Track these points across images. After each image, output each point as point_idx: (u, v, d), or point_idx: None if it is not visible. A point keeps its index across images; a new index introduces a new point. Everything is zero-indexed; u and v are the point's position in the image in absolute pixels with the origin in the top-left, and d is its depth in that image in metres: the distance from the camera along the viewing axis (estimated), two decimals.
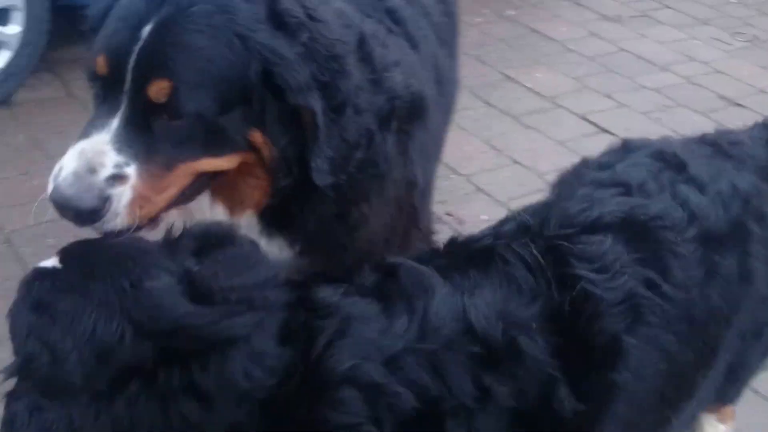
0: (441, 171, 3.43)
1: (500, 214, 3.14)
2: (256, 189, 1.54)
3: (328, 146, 1.46)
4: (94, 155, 1.35)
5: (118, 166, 1.36)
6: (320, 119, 1.42)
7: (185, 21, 1.35)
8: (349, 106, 1.50)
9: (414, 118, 1.78)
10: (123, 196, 1.37)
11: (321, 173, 1.46)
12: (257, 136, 1.45)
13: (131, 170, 1.36)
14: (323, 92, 1.44)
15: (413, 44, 1.85)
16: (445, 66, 2.10)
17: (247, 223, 1.62)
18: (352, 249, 1.73)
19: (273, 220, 1.62)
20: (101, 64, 1.37)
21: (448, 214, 3.24)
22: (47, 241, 2.81)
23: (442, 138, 2.23)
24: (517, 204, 3.25)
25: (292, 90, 1.39)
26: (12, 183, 3.20)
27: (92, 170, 1.35)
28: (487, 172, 3.53)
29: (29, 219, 2.53)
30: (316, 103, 1.41)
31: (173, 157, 1.39)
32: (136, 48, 1.33)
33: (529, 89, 4.20)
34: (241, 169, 1.51)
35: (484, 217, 3.25)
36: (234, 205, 1.59)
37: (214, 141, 1.42)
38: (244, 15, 1.38)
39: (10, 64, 3.60)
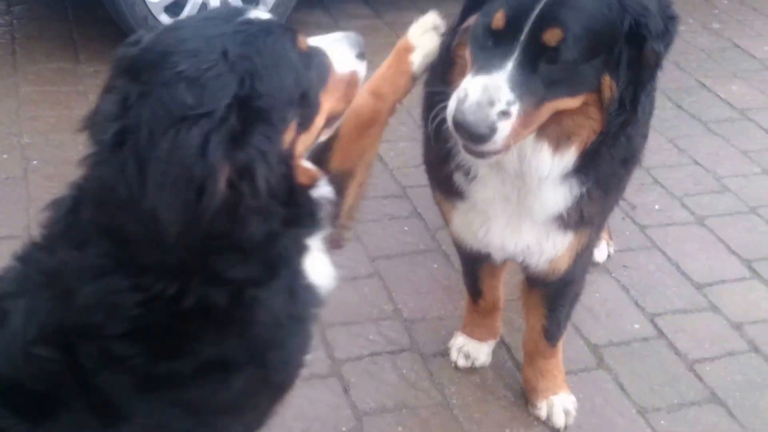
0: None
1: (672, 206, 3.50)
2: (585, 127, 1.78)
3: (653, 85, 1.81)
4: (494, 91, 1.65)
5: (508, 103, 1.64)
6: (662, 61, 1.74)
7: None
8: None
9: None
10: (504, 130, 1.66)
11: (643, 105, 1.78)
12: (606, 80, 1.72)
13: (515, 109, 1.65)
14: (663, 40, 1.73)
15: None
16: None
17: (567, 161, 1.82)
18: (619, 192, 2.10)
19: (586, 159, 1.84)
20: (500, 18, 1.70)
21: (622, 199, 3.57)
22: None
23: None
24: (691, 200, 3.58)
25: (653, 37, 1.68)
26: None
27: (491, 103, 1.64)
28: (667, 167, 3.80)
29: None
30: (663, 49, 1.72)
31: (543, 98, 1.69)
32: (538, 5, 1.67)
33: (722, 99, 4.40)
34: (579, 109, 1.75)
35: (656, 206, 3.56)
36: (560, 141, 1.80)
37: (576, 83, 1.71)
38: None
39: None
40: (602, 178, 1.96)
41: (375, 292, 2.97)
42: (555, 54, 1.67)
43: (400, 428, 2.49)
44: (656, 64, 1.74)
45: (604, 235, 3.21)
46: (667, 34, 1.73)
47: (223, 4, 4.19)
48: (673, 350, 2.84)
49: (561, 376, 2.58)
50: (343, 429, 2.47)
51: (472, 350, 2.68)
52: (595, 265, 3.15)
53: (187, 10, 4.11)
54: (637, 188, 3.65)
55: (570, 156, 1.83)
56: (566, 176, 1.89)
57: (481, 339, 2.69)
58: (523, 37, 1.66)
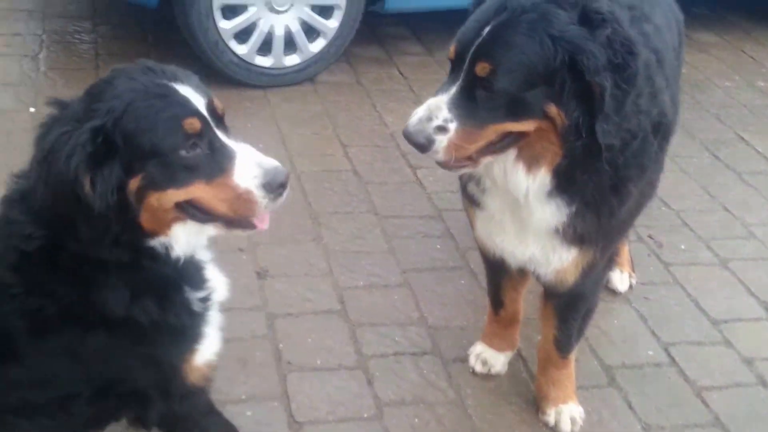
0: (654, 202, 4.03)
1: (698, 247, 3.70)
2: (549, 151, 2.01)
3: (612, 115, 1.95)
4: (434, 109, 2.00)
5: (445, 120, 1.96)
6: (608, 92, 1.92)
7: (513, 24, 1.96)
8: (633, 90, 1.98)
9: (667, 137, 2.34)
10: (441, 142, 1.98)
11: (605, 133, 1.96)
12: (553, 109, 1.94)
13: (452, 126, 1.96)
14: (614, 73, 1.91)
15: (667, 83, 2.39)
16: (677, 106, 2.59)
17: (541, 180, 2.08)
18: (615, 220, 2.25)
19: (560, 180, 2.07)
20: (452, 51, 2.03)
21: (650, 237, 3.78)
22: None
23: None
24: (716, 244, 3.77)
25: (588, 71, 1.88)
26: (306, 138, 4.23)
27: (429, 119, 1.97)
28: (697, 212, 3.99)
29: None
30: (607, 81, 1.92)
31: (485, 120, 1.96)
32: (477, 41, 1.97)
33: (759, 153, 4.57)
34: (538, 134, 1.99)
35: (682, 246, 3.76)
36: (531, 162, 2.06)
37: (517, 110, 1.95)
38: (558, 20, 1.95)
39: (323, 51, 4.67)
40: (590, 201, 2.17)
41: (403, 300, 3.23)
42: (489, 84, 1.95)
43: (416, 420, 2.72)
44: (602, 96, 1.92)
45: (627, 267, 3.43)
46: (623, 69, 1.93)
47: (286, 36, 4.57)
48: (683, 377, 3.02)
49: (571, 387, 2.78)
50: (365, 415, 2.71)
51: (489, 358, 2.90)
52: (617, 294, 3.38)
53: (254, 38, 4.50)
54: (666, 228, 3.86)
55: (542, 176, 2.08)
56: (550, 195, 2.13)
57: (499, 349, 2.91)
58: (465, 67, 1.97)
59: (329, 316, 3.10)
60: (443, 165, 2.09)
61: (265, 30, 4.51)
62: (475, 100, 1.97)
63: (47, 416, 1.99)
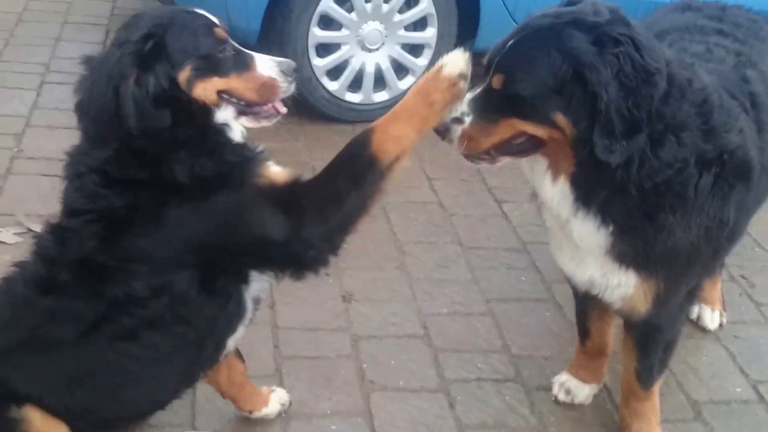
0: (747, 242, 4.00)
1: None
2: (565, 160, 2.17)
3: (615, 131, 2.04)
4: (457, 104, 2.20)
5: (462, 114, 2.19)
6: (605, 105, 2.03)
7: (528, 40, 2.16)
8: (659, 119, 2.09)
9: (740, 176, 2.32)
10: (455, 131, 2.21)
11: (603, 148, 2.07)
12: (560, 118, 2.09)
13: (467, 119, 2.19)
14: (624, 91, 2.03)
15: (760, 127, 2.44)
16: None
17: (561, 190, 2.21)
18: (661, 246, 2.27)
19: (579, 191, 2.19)
20: (485, 59, 2.25)
21: (742, 277, 3.75)
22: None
23: (757, 205, 2.67)
24: None
25: (590, 83, 2.02)
26: None
27: (449, 113, 2.19)
28: None
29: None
30: (608, 94, 2.03)
31: (497, 116, 2.18)
32: (499, 54, 2.19)
33: None
34: (553, 144, 2.16)
35: None
36: (553, 171, 2.22)
37: (527, 113, 2.14)
38: (570, 38, 2.09)
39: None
40: (625, 224, 2.24)
41: (487, 328, 3.30)
42: (504, 90, 2.14)
43: None
44: (602, 109, 2.03)
45: (718, 306, 3.42)
46: (635, 92, 2.04)
47: (376, 73, 4.77)
48: None
49: (655, 420, 2.78)
50: None
51: (573, 387, 2.93)
52: (707, 331, 3.37)
53: (346, 75, 4.72)
54: (759, 269, 3.84)
55: (561, 185, 2.22)
56: (578, 209, 2.23)
57: (584, 380, 2.93)
58: (489, 76, 2.20)
59: (412, 341, 3.20)
60: (465, 156, 2.29)
61: (357, 67, 4.73)
62: (491, 101, 2.19)
63: (161, 333, 2.16)
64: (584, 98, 2.07)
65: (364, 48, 4.71)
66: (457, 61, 2.13)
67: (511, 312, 3.40)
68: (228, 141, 2.16)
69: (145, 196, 2.07)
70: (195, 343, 2.23)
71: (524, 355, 3.18)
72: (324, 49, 4.64)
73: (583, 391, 2.92)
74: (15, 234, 3.55)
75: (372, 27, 4.67)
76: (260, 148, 2.23)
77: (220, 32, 2.16)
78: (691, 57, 2.51)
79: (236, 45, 2.21)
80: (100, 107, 2.01)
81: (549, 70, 2.08)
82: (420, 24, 4.78)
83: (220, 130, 2.15)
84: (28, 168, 4.08)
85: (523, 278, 3.61)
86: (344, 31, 4.64)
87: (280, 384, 2.89)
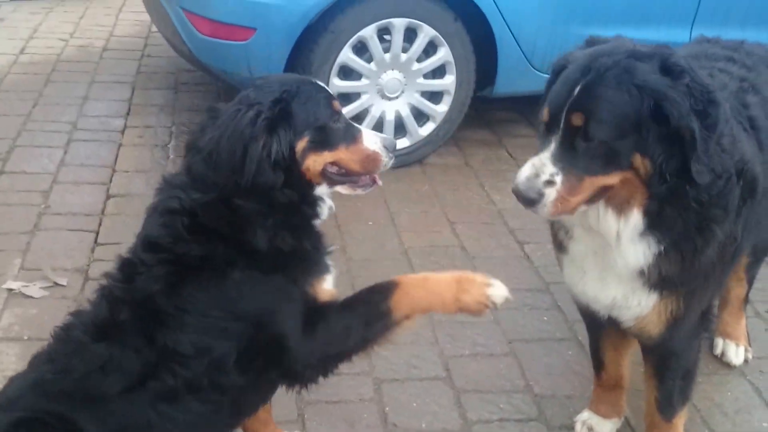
0: None
1: None
2: (635, 197, 2.21)
3: (705, 155, 2.13)
4: (540, 166, 2.18)
5: (552, 174, 2.16)
6: (698, 134, 2.11)
7: (601, 80, 2.17)
8: (718, 131, 2.17)
9: (748, 192, 2.42)
10: (550, 195, 2.17)
11: (701, 173, 2.14)
12: (638, 159, 2.14)
13: (558, 179, 2.16)
14: (699, 117, 2.10)
15: (760, 146, 2.55)
16: None
17: (634, 221, 2.25)
18: (698, 263, 2.36)
19: (651, 220, 2.25)
20: (545, 113, 2.27)
21: (767, 312, 3.82)
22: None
23: (757, 225, 2.71)
24: None
25: (674, 117, 2.08)
26: (414, 216, 4.52)
27: (537, 175, 2.17)
28: None
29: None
30: (694, 124, 2.11)
31: (583, 173, 2.17)
32: (570, 100, 2.20)
33: None
34: (623, 183, 2.19)
35: None
36: (620, 207, 2.25)
37: (610, 160, 2.14)
38: (642, 71, 2.16)
39: (432, 135, 5.01)
40: (676, 240, 2.30)
41: (509, 368, 3.37)
42: (585, 133, 2.15)
43: None
44: (693, 137, 2.10)
45: (743, 341, 3.46)
46: (705, 115, 2.13)
47: (396, 120, 4.93)
48: None
49: None
50: None
51: (595, 424, 2.99)
52: (731, 367, 3.41)
53: (366, 122, 4.88)
54: None
55: (634, 217, 2.25)
56: (642, 235, 2.28)
57: (605, 416, 3.00)
58: (561, 123, 2.19)
59: (434, 383, 3.28)
60: (545, 216, 2.29)
61: (377, 115, 4.90)
62: (575, 150, 2.18)
63: (198, 399, 2.24)
64: (662, 132, 2.13)
65: (384, 96, 4.88)
66: (503, 292, 2.31)
67: (534, 352, 3.48)
68: (313, 225, 2.36)
69: (221, 250, 2.22)
70: (229, 410, 2.35)
71: (547, 394, 3.25)
72: (344, 98, 4.80)
73: (606, 427, 2.98)
74: (41, 288, 3.71)
75: (391, 76, 4.85)
76: (332, 248, 2.44)
77: (336, 105, 2.39)
78: None
79: (346, 118, 2.44)
80: (226, 160, 2.19)
81: (630, 106, 2.13)
82: (439, 71, 4.95)
83: (315, 203, 2.36)
84: (55, 223, 4.27)
85: (546, 318, 3.69)
86: (364, 81, 4.82)
87: (303, 430, 2.98)
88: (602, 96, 2.15)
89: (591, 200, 2.25)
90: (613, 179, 2.20)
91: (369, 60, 4.77)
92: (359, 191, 2.48)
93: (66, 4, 8.25)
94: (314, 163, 2.30)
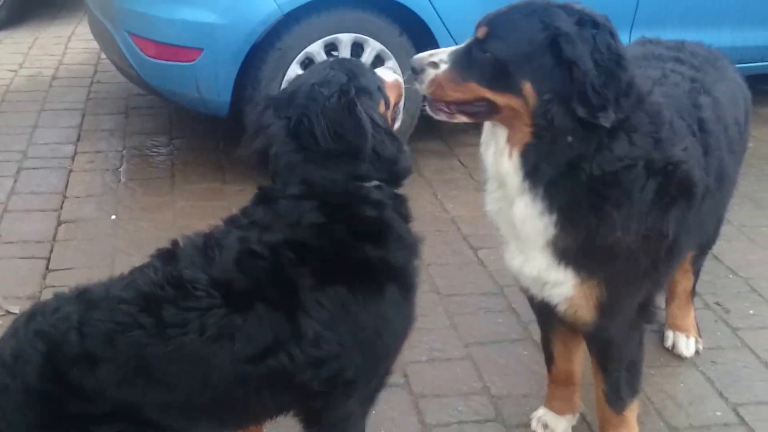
0: (721, 271, 4.14)
1: (767, 312, 3.75)
2: (521, 130, 2.27)
3: (586, 100, 2.15)
4: (440, 53, 2.38)
5: (440, 60, 2.35)
6: (583, 76, 2.14)
7: (518, 9, 2.31)
8: (619, 109, 2.19)
9: (681, 192, 2.44)
10: (430, 74, 2.35)
11: (585, 114, 2.15)
12: (527, 87, 2.21)
13: (444, 66, 2.34)
14: (597, 70, 2.16)
15: (705, 150, 2.58)
16: (729, 168, 2.79)
17: (515, 162, 2.30)
18: (598, 244, 2.37)
19: (531, 168, 2.28)
20: (476, 24, 2.40)
21: (717, 304, 3.88)
22: None
23: (699, 227, 2.80)
24: None
25: (567, 51, 2.17)
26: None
27: (430, 56, 2.38)
28: (765, 278, 4.04)
29: None
30: (585, 66, 2.17)
31: (468, 75, 2.31)
32: (490, 13, 2.37)
33: None
34: (509, 113, 2.28)
35: (750, 312, 3.83)
36: (510, 140, 2.31)
37: (497, 77, 2.26)
38: (556, 14, 2.25)
39: None
40: (568, 212, 2.34)
41: (466, 372, 3.41)
42: (483, 45, 2.30)
43: None
44: (583, 74, 2.16)
45: (693, 332, 3.54)
46: (605, 72, 2.18)
47: None
48: None
49: None
50: None
51: (550, 421, 3.03)
52: (683, 359, 3.48)
53: None
54: (733, 295, 3.95)
55: (515, 156, 2.31)
56: (529, 189, 2.33)
57: (559, 412, 3.04)
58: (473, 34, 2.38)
59: (393, 390, 3.28)
60: (428, 102, 2.46)
61: None
62: (470, 57, 2.34)
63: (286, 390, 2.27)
64: (555, 69, 2.21)
65: None
66: None
67: (490, 354, 3.52)
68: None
69: (379, 258, 2.30)
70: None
71: (504, 394, 3.28)
72: None
73: (561, 425, 3.02)
74: None
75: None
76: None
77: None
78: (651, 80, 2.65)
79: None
80: (336, 141, 2.25)
81: (529, 34, 2.24)
82: None
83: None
84: (6, 252, 4.24)
85: (500, 320, 3.74)
86: None
87: None
88: (509, 18, 2.32)
89: (474, 113, 2.38)
90: (499, 98, 2.29)
91: None
92: (398, 121, 2.64)
93: (15, 35, 8.23)
94: (390, 116, 2.46)
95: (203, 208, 4.69)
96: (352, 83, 2.32)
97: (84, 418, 2.11)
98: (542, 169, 2.29)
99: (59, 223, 4.54)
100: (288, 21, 4.56)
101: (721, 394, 3.30)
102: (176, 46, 4.53)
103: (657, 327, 3.67)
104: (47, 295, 3.83)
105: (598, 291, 2.48)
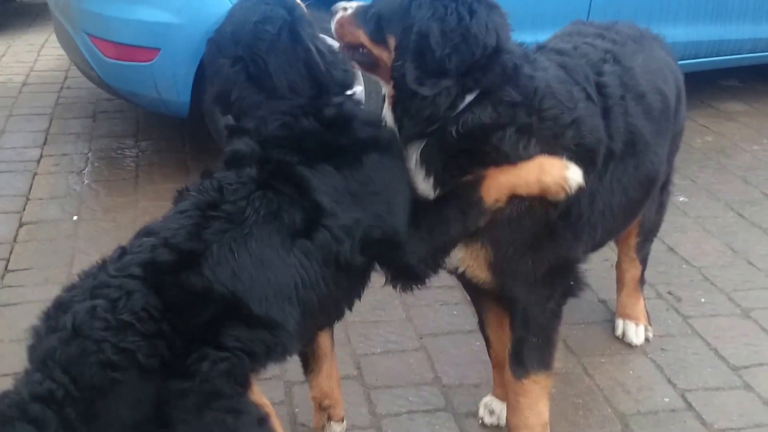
0: (674, 261, 4.17)
1: (719, 300, 3.79)
2: (388, 84, 2.43)
3: (420, 63, 2.28)
4: (354, 3, 2.50)
5: (349, 6, 2.48)
6: (416, 37, 2.28)
7: None
8: (475, 82, 2.31)
9: (570, 154, 2.43)
10: (337, 15, 2.49)
11: (412, 79, 2.29)
12: (391, 41, 2.36)
13: (349, 11, 2.47)
14: (442, 40, 2.26)
15: (605, 114, 2.58)
16: (647, 135, 2.74)
17: (389, 115, 2.44)
18: (468, 193, 2.40)
19: (398, 120, 2.41)
20: None
21: (669, 293, 3.90)
22: None
23: (619, 194, 2.72)
24: (738, 295, 3.86)
25: (411, 14, 2.31)
26: None
27: (347, 3, 2.50)
28: (719, 267, 4.09)
29: None
30: (421, 29, 2.26)
31: (359, 23, 2.44)
32: None
33: None
34: (384, 67, 2.41)
35: (702, 300, 3.85)
36: (388, 94, 2.45)
37: (375, 30, 2.40)
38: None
39: None
40: (446, 174, 2.42)
41: (419, 363, 3.41)
42: (376, 2, 2.46)
43: None
44: (418, 42, 2.28)
45: (642, 320, 3.55)
46: (450, 38, 2.29)
47: None
48: (700, 420, 3.08)
49: (535, 420, 2.73)
50: None
51: (496, 408, 3.04)
52: (632, 347, 3.50)
53: None
54: (686, 284, 3.98)
55: (389, 111, 2.45)
56: (409, 150, 2.44)
57: (504, 399, 3.04)
58: None
59: (345, 382, 3.27)
60: (333, 29, 2.54)
61: None
62: (367, 10, 2.46)
63: (338, 268, 2.30)
64: (411, 31, 2.31)
65: None
66: (579, 176, 2.40)
67: (443, 345, 3.52)
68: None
69: (355, 137, 2.39)
70: (343, 298, 2.49)
71: (455, 384, 3.29)
72: None
73: (506, 409, 3.02)
74: None
75: None
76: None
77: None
78: (554, 52, 2.69)
79: None
80: (289, 82, 2.38)
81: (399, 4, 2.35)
82: None
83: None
84: None
85: (455, 312, 3.74)
86: None
87: None
88: None
89: (361, 61, 2.50)
90: (373, 48, 2.43)
91: None
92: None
93: None
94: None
95: (166, 208, 4.61)
96: (292, 16, 2.43)
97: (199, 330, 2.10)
98: (405, 124, 2.41)
99: (21, 225, 4.52)
100: None
101: (669, 381, 3.31)
102: (133, 47, 4.52)
103: (609, 317, 3.70)
104: (4, 295, 3.84)
105: (484, 252, 2.48)
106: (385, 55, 2.40)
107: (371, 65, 2.49)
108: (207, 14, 4.42)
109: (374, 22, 2.41)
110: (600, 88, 2.59)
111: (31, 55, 7.81)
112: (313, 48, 2.41)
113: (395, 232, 2.36)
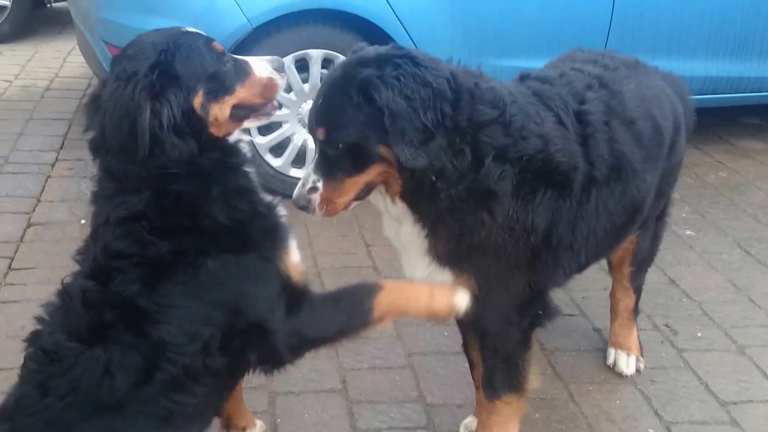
0: (675, 294, 4.18)
1: (715, 335, 3.79)
2: (395, 183, 2.39)
3: (407, 140, 2.23)
4: (306, 177, 2.42)
5: (314, 182, 2.39)
6: (391, 120, 2.22)
7: (327, 89, 2.37)
8: (454, 125, 2.29)
9: (545, 183, 2.46)
10: (315, 200, 2.40)
11: (406, 159, 2.24)
12: (383, 149, 2.30)
13: (320, 185, 2.39)
14: (411, 106, 2.23)
15: (584, 141, 2.59)
16: (635, 162, 2.75)
17: (400, 207, 2.44)
18: (464, 246, 2.46)
19: (409, 204, 2.44)
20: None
21: (666, 326, 3.89)
22: None
23: (600, 218, 2.71)
24: (735, 331, 3.85)
25: (377, 99, 2.24)
26: (332, 240, 4.59)
27: (303, 185, 2.42)
28: (719, 303, 4.08)
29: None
30: (391, 109, 2.22)
31: (343, 176, 2.36)
32: (313, 117, 2.42)
33: None
34: (383, 175, 2.38)
35: (698, 334, 3.84)
36: (391, 194, 2.44)
37: (361, 159, 2.33)
38: (357, 72, 2.31)
39: None
40: (439, 224, 2.46)
41: (404, 380, 3.44)
42: (330, 143, 2.35)
43: None
44: (393, 123, 2.24)
45: (634, 351, 3.55)
46: (411, 99, 2.26)
47: None
48: None
49: None
50: None
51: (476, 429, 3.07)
52: (622, 377, 3.50)
53: (288, 151, 5.00)
54: (684, 318, 3.97)
55: (399, 203, 2.45)
56: (408, 215, 2.48)
57: None
58: (315, 138, 2.43)
59: (329, 395, 3.34)
60: (320, 216, 2.48)
61: (299, 143, 5.02)
62: (329, 159, 2.38)
63: (198, 383, 2.27)
64: (383, 121, 2.27)
65: (305, 125, 5.00)
66: (466, 301, 2.47)
67: (431, 364, 3.55)
68: (250, 178, 2.36)
69: (188, 241, 2.22)
70: (219, 391, 2.46)
71: (438, 403, 3.32)
72: (266, 127, 4.93)
73: None
74: None
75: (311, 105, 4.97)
76: (277, 199, 2.43)
77: (217, 45, 2.36)
78: (537, 80, 2.71)
79: (231, 55, 2.42)
80: (120, 144, 2.15)
81: (351, 107, 2.30)
82: None
83: (237, 150, 2.35)
84: None
85: (446, 333, 3.77)
86: (284, 111, 4.95)
87: None
88: (329, 106, 2.37)
89: (361, 196, 2.45)
90: (371, 174, 2.38)
91: (288, 90, 4.91)
92: (263, 119, 2.50)
93: (16, 49, 8.42)
94: (220, 111, 2.27)
95: None
96: (157, 70, 2.17)
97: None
98: (418, 204, 2.44)
99: (29, 225, 4.64)
100: (258, 35, 4.67)
101: (656, 412, 3.31)
102: None
103: (602, 345, 3.71)
104: (6, 293, 3.94)
105: (470, 284, 2.53)
106: (385, 166, 2.36)
107: (372, 189, 2.46)
108: (221, 28, 4.55)
109: (351, 155, 2.34)
110: (580, 116, 2.62)
111: (57, 62, 8.02)
112: (144, 127, 2.12)
113: (263, 320, 2.31)
